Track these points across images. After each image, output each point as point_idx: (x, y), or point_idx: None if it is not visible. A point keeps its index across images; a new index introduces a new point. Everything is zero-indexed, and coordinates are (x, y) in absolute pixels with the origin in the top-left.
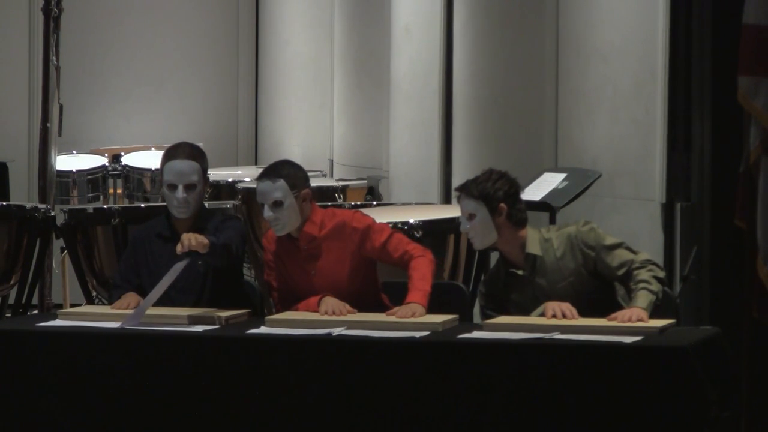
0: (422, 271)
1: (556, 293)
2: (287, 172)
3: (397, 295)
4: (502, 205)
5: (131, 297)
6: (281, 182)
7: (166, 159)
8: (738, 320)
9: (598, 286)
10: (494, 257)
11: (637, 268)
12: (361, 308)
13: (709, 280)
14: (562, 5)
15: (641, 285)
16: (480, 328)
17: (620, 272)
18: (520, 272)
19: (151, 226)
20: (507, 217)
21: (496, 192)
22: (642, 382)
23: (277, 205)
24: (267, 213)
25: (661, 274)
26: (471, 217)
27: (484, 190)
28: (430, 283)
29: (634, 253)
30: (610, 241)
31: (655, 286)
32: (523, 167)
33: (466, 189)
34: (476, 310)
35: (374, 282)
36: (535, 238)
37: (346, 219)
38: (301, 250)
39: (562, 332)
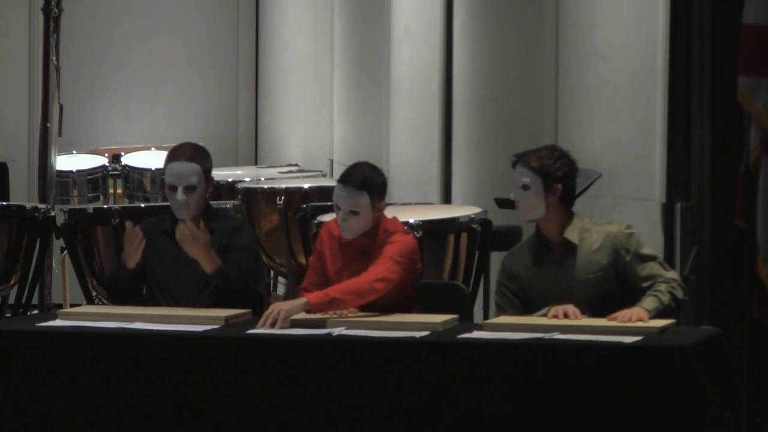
0: (355, 281)
1: (578, 284)
2: (374, 183)
3: (431, 295)
4: (559, 185)
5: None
6: (364, 195)
7: (168, 160)
8: (738, 320)
9: (620, 288)
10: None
11: (661, 282)
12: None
13: (709, 280)
14: (562, 5)
15: (653, 292)
16: (480, 328)
17: (645, 284)
18: (550, 254)
19: (158, 223)
20: (559, 197)
21: (556, 171)
22: (642, 382)
23: (353, 213)
24: (341, 218)
25: (680, 294)
26: (525, 187)
27: (544, 165)
28: (344, 293)
29: (666, 270)
30: (646, 251)
31: (666, 298)
32: None
33: (525, 158)
34: (476, 309)
35: (408, 292)
36: (576, 226)
37: (389, 228)
38: (351, 248)
39: (562, 332)
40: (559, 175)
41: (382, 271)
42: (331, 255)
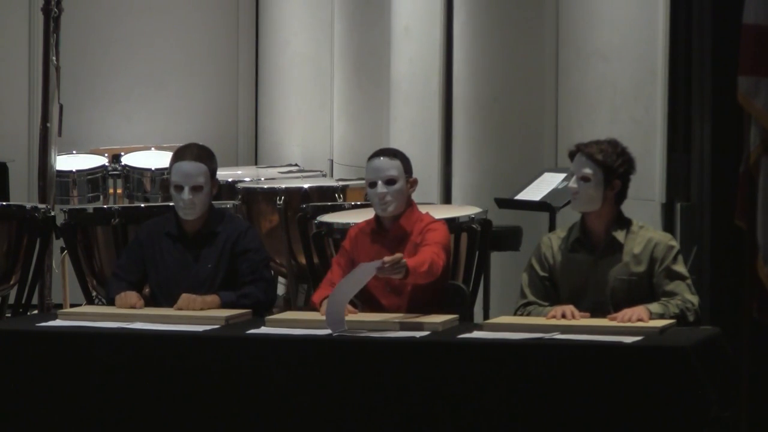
0: (421, 256)
1: (611, 282)
2: (402, 155)
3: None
4: (618, 181)
5: (133, 297)
6: (397, 162)
7: (174, 160)
8: (738, 320)
9: (650, 296)
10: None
11: (678, 300)
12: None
13: (709, 280)
14: (562, 5)
15: (664, 301)
16: (480, 328)
17: (664, 299)
18: (591, 247)
19: (160, 224)
20: (615, 194)
21: (618, 166)
22: (642, 382)
23: (390, 183)
24: (380, 189)
25: (692, 318)
26: (585, 179)
27: (608, 159)
28: (421, 268)
29: (691, 293)
30: (678, 268)
31: (673, 311)
32: (523, 167)
33: (588, 149)
34: (476, 309)
35: (437, 293)
36: (624, 226)
37: (424, 218)
38: (388, 241)
39: (562, 332)
40: (621, 171)
41: (435, 257)
42: (363, 251)
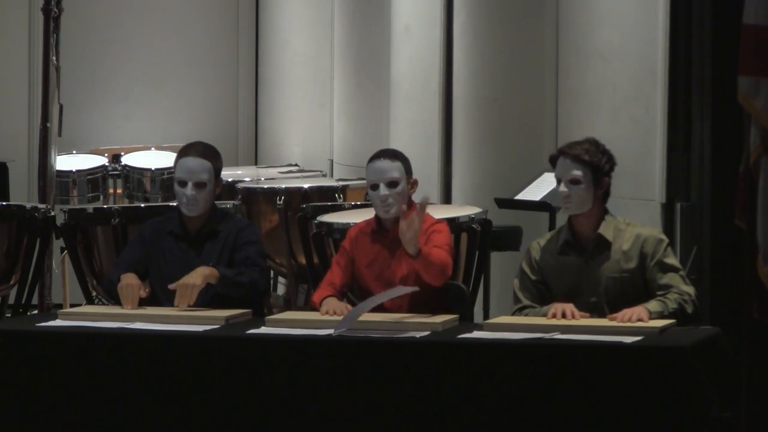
0: (434, 251)
1: (603, 281)
2: (403, 156)
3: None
4: (606, 179)
5: (131, 279)
6: (399, 164)
7: (179, 156)
8: (738, 320)
9: (644, 293)
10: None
11: (674, 293)
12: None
13: (709, 280)
14: (562, 5)
15: (661, 298)
16: (480, 328)
17: (660, 293)
18: (581, 247)
19: (164, 223)
20: (603, 192)
21: (604, 164)
22: (642, 382)
23: (392, 185)
24: (383, 192)
25: (690, 309)
26: (575, 181)
27: (594, 158)
28: (431, 257)
29: (686, 283)
30: (670, 261)
31: (672, 306)
32: (523, 167)
33: (574, 151)
34: (476, 309)
35: (438, 293)
36: (610, 223)
37: (426, 218)
38: (388, 242)
39: (562, 332)
40: (607, 169)
41: (446, 258)
42: (363, 251)
